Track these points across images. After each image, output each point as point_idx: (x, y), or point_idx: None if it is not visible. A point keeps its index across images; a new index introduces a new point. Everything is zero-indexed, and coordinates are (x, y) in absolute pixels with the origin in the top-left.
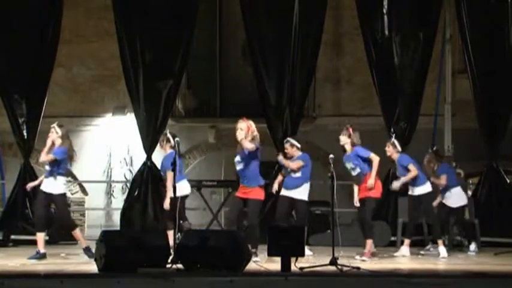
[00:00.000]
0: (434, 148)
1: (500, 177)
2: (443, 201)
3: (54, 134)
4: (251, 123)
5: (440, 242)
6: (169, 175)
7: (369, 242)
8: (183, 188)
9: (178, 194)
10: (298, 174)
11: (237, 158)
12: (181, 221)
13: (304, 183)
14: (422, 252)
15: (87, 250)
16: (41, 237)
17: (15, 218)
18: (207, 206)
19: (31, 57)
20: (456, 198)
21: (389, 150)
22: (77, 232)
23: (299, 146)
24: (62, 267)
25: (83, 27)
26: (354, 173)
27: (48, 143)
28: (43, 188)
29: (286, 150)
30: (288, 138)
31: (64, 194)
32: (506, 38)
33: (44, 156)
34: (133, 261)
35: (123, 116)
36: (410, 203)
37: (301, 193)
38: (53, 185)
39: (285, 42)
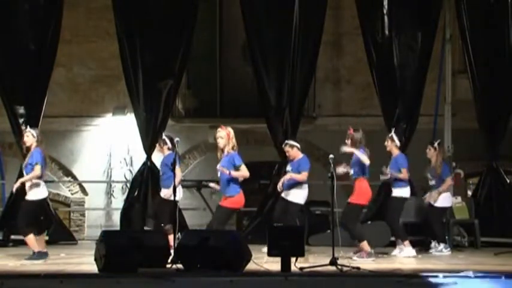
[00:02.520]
0: (438, 141)
1: (500, 178)
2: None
3: (31, 138)
4: (230, 130)
5: (406, 242)
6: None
7: (362, 244)
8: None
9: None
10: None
11: (218, 166)
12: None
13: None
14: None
15: (35, 254)
16: (41, 238)
17: (15, 218)
18: (207, 206)
19: (31, 57)
20: (444, 198)
21: (389, 145)
22: (30, 238)
23: (299, 146)
24: (62, 267)
25: (83, 27)
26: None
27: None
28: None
29: (287, 153)
30: (287, 141)
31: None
32: (506, 38)
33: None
34: (133, 261)
35: (123, 116)
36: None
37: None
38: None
39: (285, 42)
